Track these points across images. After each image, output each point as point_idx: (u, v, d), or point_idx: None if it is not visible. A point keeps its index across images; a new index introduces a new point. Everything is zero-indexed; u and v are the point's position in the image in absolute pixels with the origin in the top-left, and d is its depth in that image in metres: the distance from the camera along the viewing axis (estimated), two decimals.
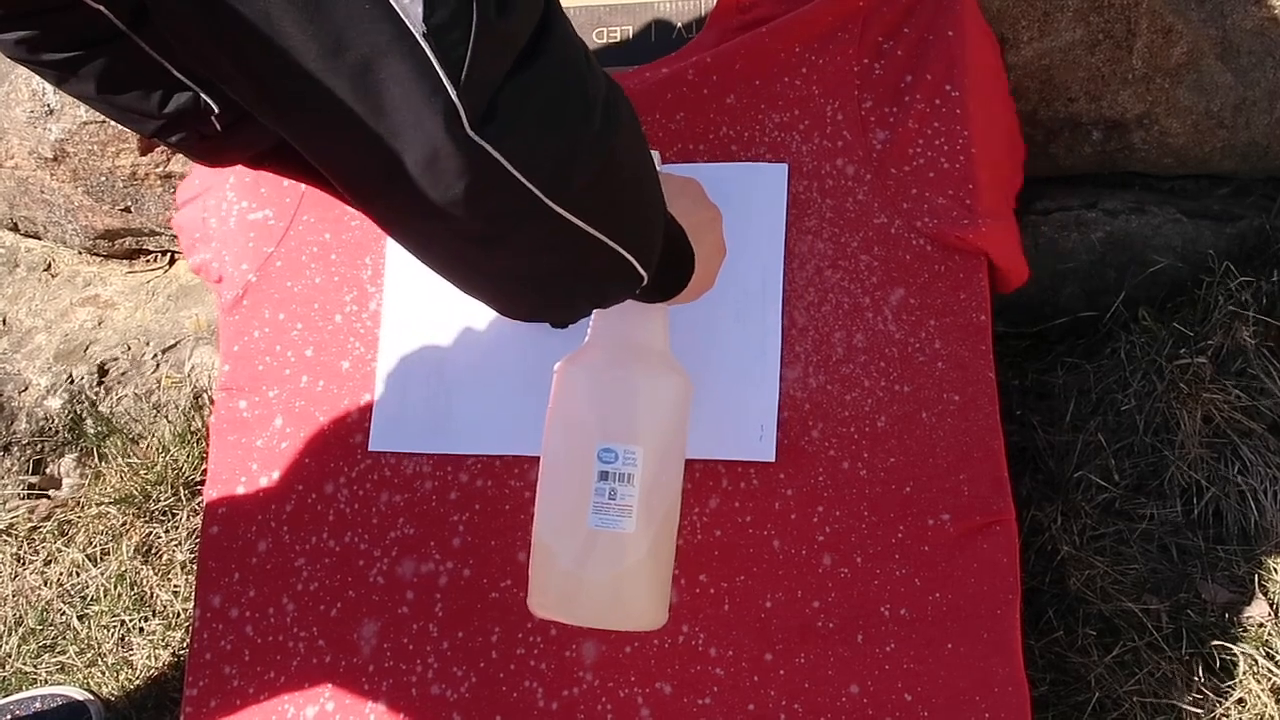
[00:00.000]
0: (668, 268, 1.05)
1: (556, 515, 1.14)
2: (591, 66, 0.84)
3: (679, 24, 1.47)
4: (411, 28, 0.70)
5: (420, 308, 1.43)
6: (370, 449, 1.41)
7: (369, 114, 0.72)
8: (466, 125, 0.73)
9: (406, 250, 0.86)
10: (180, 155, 1.77)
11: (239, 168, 1.36)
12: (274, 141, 1.20)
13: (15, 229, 2.03)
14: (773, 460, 1.32)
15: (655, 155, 1.16)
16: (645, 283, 0.95)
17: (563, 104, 0.79)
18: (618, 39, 1.49)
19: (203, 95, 1.10)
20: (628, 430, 1.11)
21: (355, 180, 0.79)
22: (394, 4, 0.69)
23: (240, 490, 1.44)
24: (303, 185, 1.48)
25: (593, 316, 1.17)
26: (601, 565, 1.11)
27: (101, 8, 0.98)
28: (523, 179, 0.77)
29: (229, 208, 1.52)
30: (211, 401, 1.86)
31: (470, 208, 0.77)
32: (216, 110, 1.12)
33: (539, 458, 1.36)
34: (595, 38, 1.49)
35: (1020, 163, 1.54)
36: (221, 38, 0.71)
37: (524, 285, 0.88)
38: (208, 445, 1.51)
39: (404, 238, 0.84)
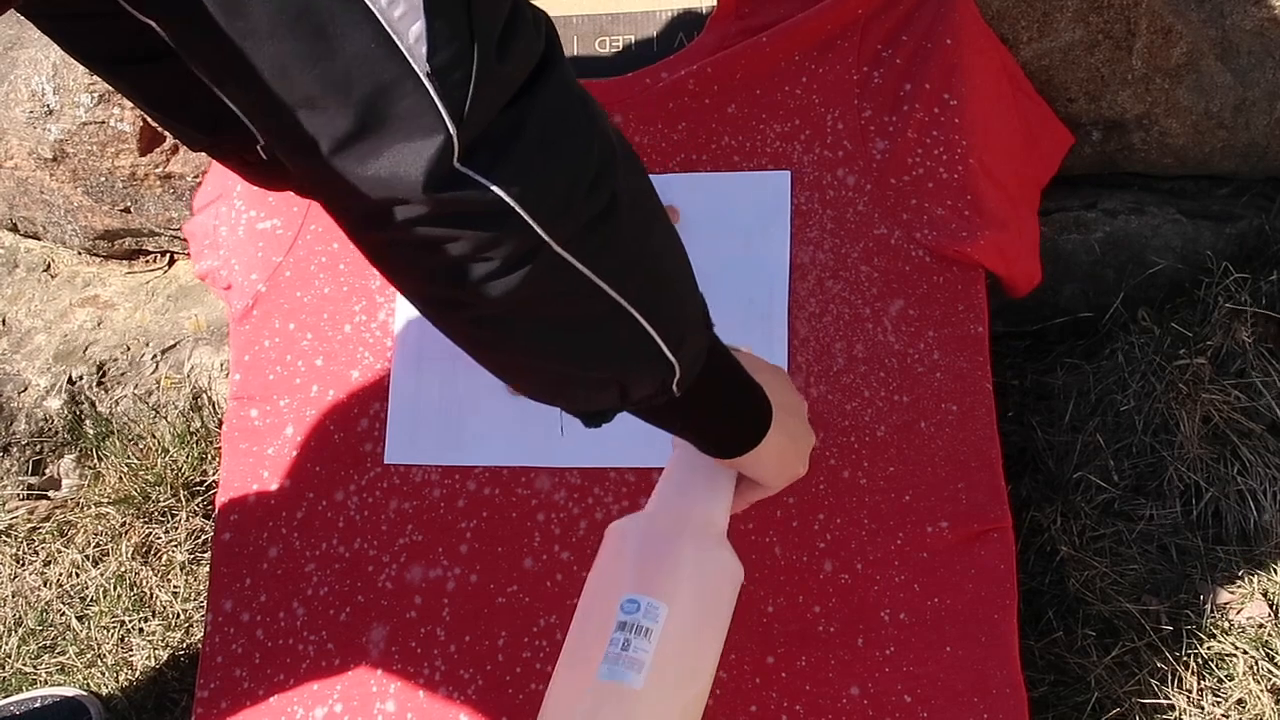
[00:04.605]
0: (722, 404, 1.01)
1: (571, 664, 1.08)
2: (592, 111, 0.82)
3: (680, 32, 1.47)
4: (416, 67, 0.70)
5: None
6: (386, 462, 1.42)
7: (366, 150, 0.72)
8: (456, 158, 0.73)
9: (409, 301, 0.85)
10: (181, 157, 1.78)
11: None
12: None
13: (15, 229, 2.03)
14: None
15: None
16: (677, 376, 0.90)
17: (558, 136, 0.78)
18: (620, 47, 1.49)
19: (250, 124, 1.11)
20: (657, 585, 1.05)
21: (351, 214, 0.79)
22: (400, 44, 0.70)
23: (252, 497, 1.45)
24: None
25: (659, 482, 1.13)
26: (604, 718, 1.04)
27: (152, 23, 0.99)
28: (518, 208, 0.75)
29: (238, 216, 1.52)
30: (211, 402, 1.86)
31: (467, 244, 0.76)
32: (262, 141, 1.11)
33: (546, 468, 1.38)
34: (598, 46, 1.50)
35: (1051, 155, 1.52)
36: (236, 78, 0.73)
37: (533, 348, 0.85)
38: (220, 451, 1.51)
39: (405, 279, 0.83)
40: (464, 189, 0.74)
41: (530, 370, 0.88)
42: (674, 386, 0.91)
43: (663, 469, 1.33)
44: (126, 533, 1.77)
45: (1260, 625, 1.44)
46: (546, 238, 0.77)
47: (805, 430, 1.12)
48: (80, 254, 2.03)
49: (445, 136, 0.72)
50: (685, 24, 1.47)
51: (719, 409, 1.01)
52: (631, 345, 0.86)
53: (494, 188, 0.74)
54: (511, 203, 0.75)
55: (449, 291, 0.80)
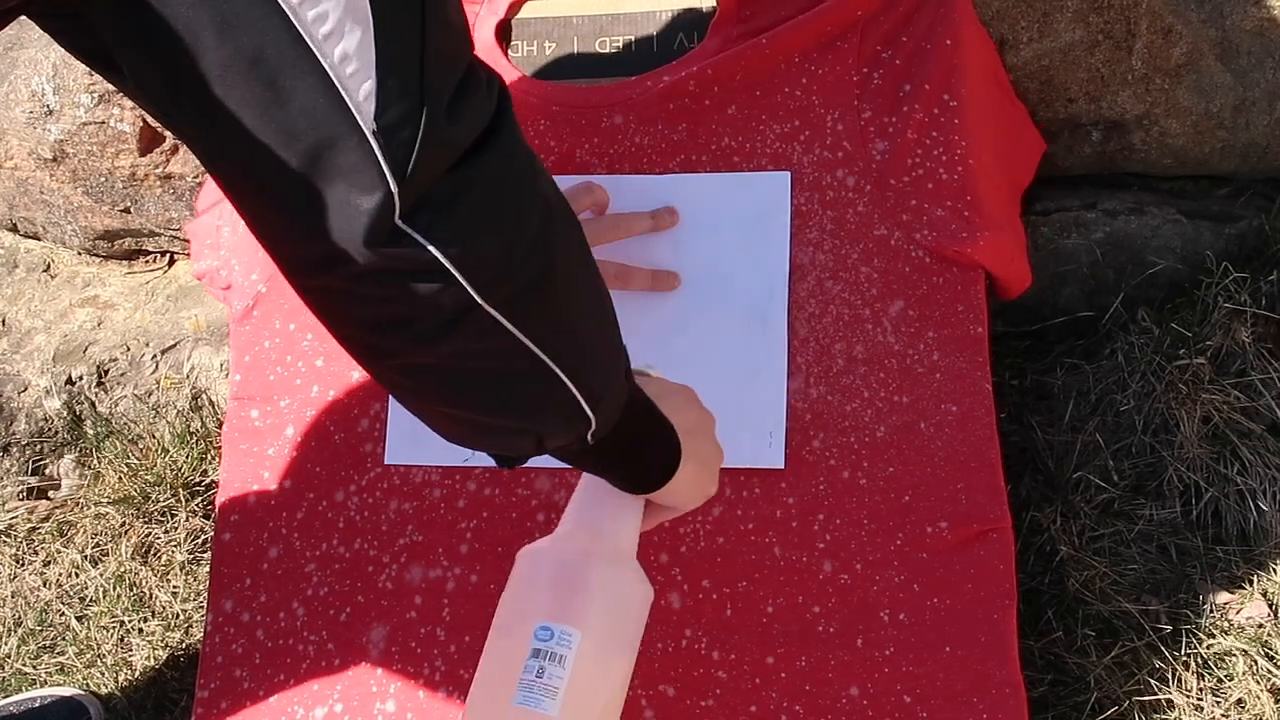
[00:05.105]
0: (638, 447, 1.04)
1: (484, 692, 1.10)
2: (537, 174, 0.84)
3: (680, 33, 1.47)
4: (363, 124, 0.72)
5: None
6: (386, 462, 1.42)
7: (309, 200, 0.74)
8: (397, 215, 0.74)
9: (339, 343, 0.87)
10: (181, 157, 1.78)
11: None
12: None
13: (14, 230, 2.03)
14: (782, 467, 1.33)
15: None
16: (594, 428, 0.93)
17: (500, 201, 0.80)
18: (620, 47, 1.49)
19: (197, 158, 1.12)
20: (570, 612, 1.08)
21: (291, 258, 0.80)
22: (348, 100, 0.72)
23: (252, 498, 1.45)
24: None
25: (568, 505, 1.16)
26: None
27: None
28: (454, 270, 0.77)
29: (237, 216, 1.52)
30: (211, 402, 1.86)
31: (400, 300, 0.78)
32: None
33: (546, 468, 1.37)
34: (598, 47, 1.50)
35: (1029, 160, 1.53)
36: (185, 116, 0.75)
37: (456, 398, 0.88)
38: (220, 451, 1.51)
39: (336, 325, 0.85)
40: (402, 246, 0.75)
41: (451, 418, 0.91)
42: (589, 437, 0.94)
43: None
44: (126, 533, 1.77)
45: (1260, 625, 1.44)
46: (479, 299, 0.79)
47: (714, 449, 1.15)
48: (80, 254, 2.03)
49: (386, 194, 0.73)
50: (685, 24, 1.47)
51: (632, 453, 1.04)
52: (552, 401, 0.90)
53: (431, 248, 0.76)
54: (447, 264, 0.77)
55: (379, 340, 0.83)
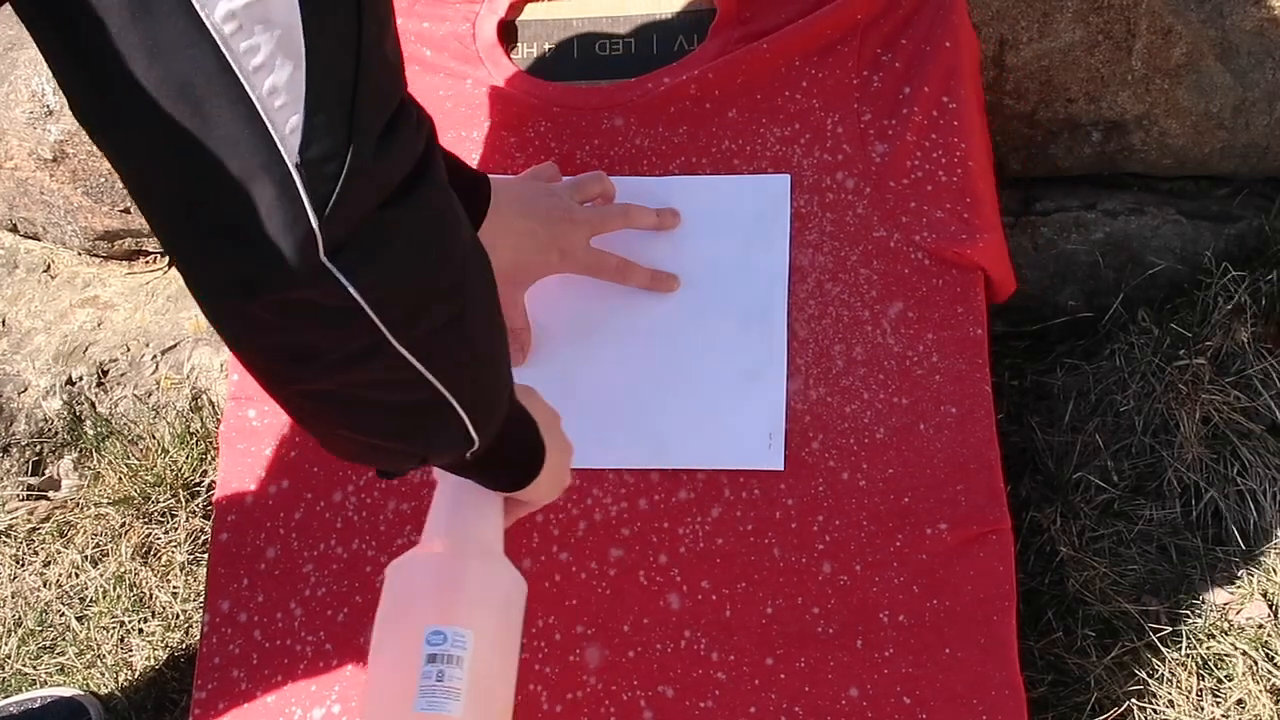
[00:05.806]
0: (513, 454, 1.07)
1: (380, 704, 1.10)
2: (458, 218, 0.87)
3: (680, 35, 1.48)
4: (286, 157, 0.72)
5: None
6: None
7: (227, 228, 0.74)
8: (321, 251, 0.74)
9: (242, 364, 0.87)
10: None
11: None
12: None
13: (15, 230, 2.03)
14: (781, 469, 1.33)
15: None
16: (475, 448, 0.97)
17: (421, 245, 0.81)
18: (620, 50, 1.49)
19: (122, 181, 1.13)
20: (458, 614, 1.09)
21: (204, 282, 0.80)
22: (273, 133, 0.72)
23: (249, 498, 1.44)
24: None
25: (429, 515, 1.17)
26: None
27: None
28: (370, 311, 0.78)
29: None
30: (211, 403, 1.86)
31: (313, 332, 0.79)
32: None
33: None
34: (598, 49, 1.50)
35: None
36: (113, 138, 0.76)
37: (354, 423, 0.90)
38: (217, 450, 1.51)
39: (245, 350, 0.85)
40: (320, 282, 0.76)
41: (344, 439, 0.93)
42: (469, 455, 0.98)
43: (660, 469, 1.35)
44: (126, 533, 1.77)
45: (1260, 625, 1.44)
46: (390, 337, 0.81)
47: (566, 443, 1.18)
48: (80, 254, 2.03)
49: (307, 228, 0.73)
50: (686, 27, 1.47)
51: (504, 460, 1.07)
52: (445, 429, 0.93)
53: (349, 286, 0.77)
54: (364, 304, 0.78)
55: (285, 368, 0.84)
